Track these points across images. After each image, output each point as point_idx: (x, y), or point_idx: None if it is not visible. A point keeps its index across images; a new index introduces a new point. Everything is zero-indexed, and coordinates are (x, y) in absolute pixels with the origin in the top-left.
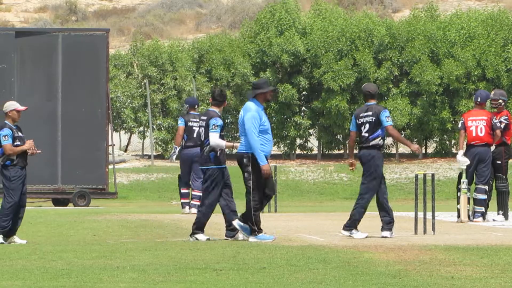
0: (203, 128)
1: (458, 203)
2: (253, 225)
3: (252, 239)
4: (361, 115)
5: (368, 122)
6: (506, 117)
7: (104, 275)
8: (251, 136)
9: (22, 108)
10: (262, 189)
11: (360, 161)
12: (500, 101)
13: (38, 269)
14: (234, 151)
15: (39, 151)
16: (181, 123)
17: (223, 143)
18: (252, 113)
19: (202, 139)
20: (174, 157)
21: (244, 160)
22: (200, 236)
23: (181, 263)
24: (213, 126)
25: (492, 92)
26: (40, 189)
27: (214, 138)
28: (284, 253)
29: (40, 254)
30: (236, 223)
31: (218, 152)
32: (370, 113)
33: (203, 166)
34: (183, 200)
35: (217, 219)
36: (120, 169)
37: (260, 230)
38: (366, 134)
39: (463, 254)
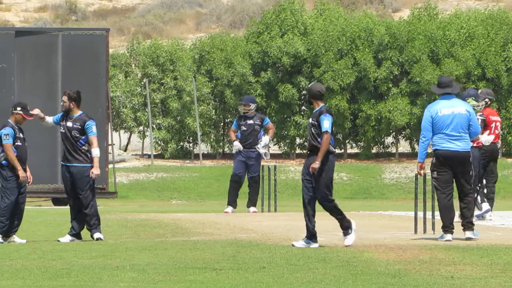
0: None
1: None
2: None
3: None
4: None
5: None
6: (481, 114)
7: (104, 275)
8: (479, 128)
9: (29, 117)
10: None
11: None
12: (487, 100)
13: (37, 268)
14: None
15: (30, 181)
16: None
17: None
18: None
19: None
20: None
21: (470, 158)
22: None
23: (180, 262)
24: None
25: (479, 91)
26: (40, 189)
27: None
28: (283, 252)
29: (40, 254)
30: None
31: None
32: None
33: None
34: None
35: (217, 219)
36: (120, 169)
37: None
38: None
39: (463, 254)
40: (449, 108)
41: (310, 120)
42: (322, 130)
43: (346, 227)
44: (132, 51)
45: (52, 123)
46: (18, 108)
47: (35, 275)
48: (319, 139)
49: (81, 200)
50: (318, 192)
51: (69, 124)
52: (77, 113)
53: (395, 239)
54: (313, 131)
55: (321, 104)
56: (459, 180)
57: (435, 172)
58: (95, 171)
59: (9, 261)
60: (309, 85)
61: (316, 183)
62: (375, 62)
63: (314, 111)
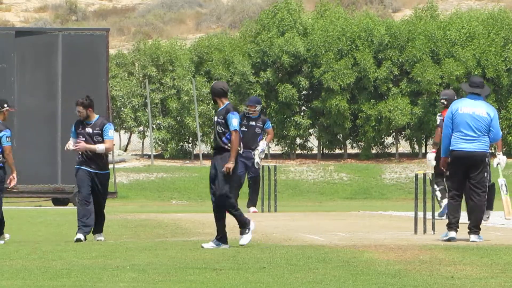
0: None
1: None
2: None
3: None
4: None
5: None
6: (440, 115)
7: (104, 275)
8: (500, 134)
9: (13, 109)
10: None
11: None
12: (442, 100)
13: (38, 268)
14: None
15: (14, 182)
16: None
17: None
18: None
19: None
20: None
21: (486, 159)
22: None
23: (180, 262)
24: None
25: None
26: (40, 189)
27: None
28: (284, 252)
29: (40, 254)
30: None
31: None
32: None
33: None
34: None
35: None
36: (120, 169)
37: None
38: None
39: (463, 254)
40: (470, 108)
41: (216, 118)
42: (230, 129)
43: (243, 224)
44: (138, 50)
45: (75, 140)
46: (5, 105)
47: (35, 275)
48: (223, 138)
49: (99, 203)
50: (218, 189)
51: (89, 130)
52: (95, 117)
53: (395, 239)
54: (218, 129)
55: (226, 102)
56: (471, 180)
57: (448, 172)
58: (84, 145)
59: (9, 261)
60: (212, 84)
61: (221, 180)
62: (375, 62)
63: (220, 109)
